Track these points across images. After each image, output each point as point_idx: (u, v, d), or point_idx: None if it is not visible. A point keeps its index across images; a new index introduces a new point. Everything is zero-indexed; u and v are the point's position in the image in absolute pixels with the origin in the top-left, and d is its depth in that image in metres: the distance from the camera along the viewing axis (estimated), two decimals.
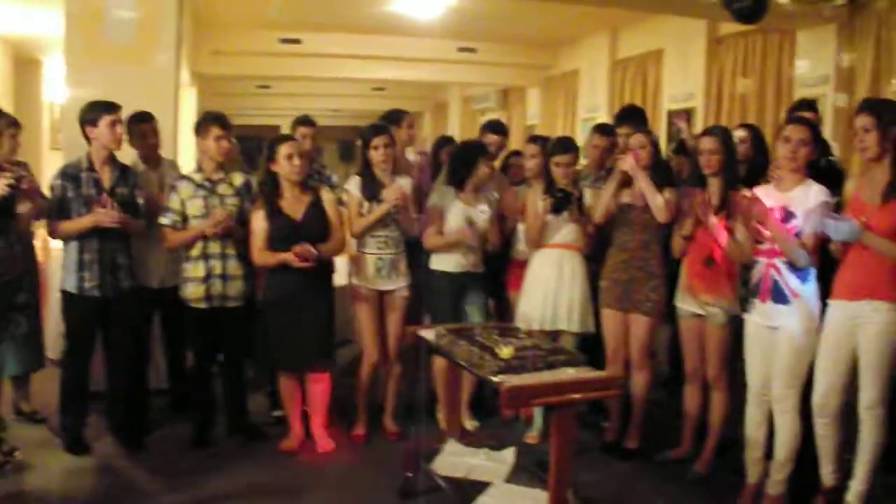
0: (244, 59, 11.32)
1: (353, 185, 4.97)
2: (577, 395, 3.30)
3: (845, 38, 7.32)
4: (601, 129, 5.46)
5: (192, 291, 4.73)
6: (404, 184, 4.99)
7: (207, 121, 4.84)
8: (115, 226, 4.53)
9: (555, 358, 3.41)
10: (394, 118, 5.44)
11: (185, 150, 6.23)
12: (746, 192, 4.04)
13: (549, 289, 4.88)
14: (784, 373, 3.96)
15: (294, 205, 4.70)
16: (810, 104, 5.21)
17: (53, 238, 4.85)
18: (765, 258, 4.04)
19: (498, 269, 5.35)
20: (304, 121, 5.58)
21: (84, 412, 4.80)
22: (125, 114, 4.81)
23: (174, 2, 6.00)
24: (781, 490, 4.08)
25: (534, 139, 5.54)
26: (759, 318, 4.08)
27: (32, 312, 4.83)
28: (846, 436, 3.95)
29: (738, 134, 5.06)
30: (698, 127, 8.04)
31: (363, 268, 4.95)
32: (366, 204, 4.92)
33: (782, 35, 8.06)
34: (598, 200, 4.87)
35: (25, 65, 11.10)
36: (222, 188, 4.81)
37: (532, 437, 4.99)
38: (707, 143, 4.48)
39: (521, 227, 5.25)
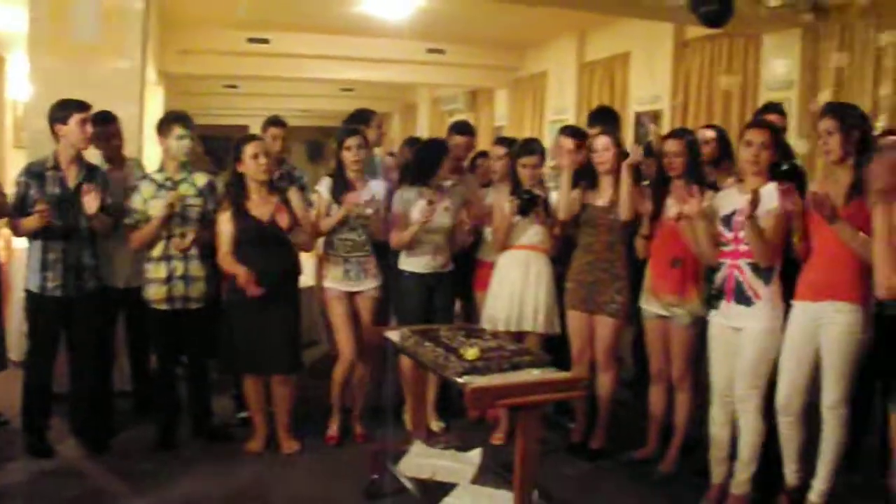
0: (212, 58, 11.24)
1: (324, 187, 4.96)
2: (541, 396, 3.32)
3: (811, 42, 7.40)
4: (569, 132, 5.47)
5: (154, 293, 4.69)
6: (377, 189, 4.98)
7: (169, 120, 4.81)
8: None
9: (520, 359, 3.42)
10: (362, 118, 5.43)
11: (151, 149, 6.17)
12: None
13: (515, 290, 4.89)
14: (747, 373, 4.00)
15: (261, 206, 4.67)
16: (776, 107, 5.26)
17: (17, 236, 4.80)
18: (728, 259, 4.08)
19: (465, 271, 5.35)
20: (275, 121, 5.56)
21: (47, 414, 4.74)
22: None
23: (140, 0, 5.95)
24: (745, 490, 4.11)
25: (500, 141, 5.55)
26: (723, 318, 4.12)
27: None
28: (809, 435, 3.98)
29: (704, 135, 5.11)
30: (666, 130, 8.10)
31: (331, 270, 4.93)
32: (334, 206, 4.90)
33: (748, 39, 8.14)
34: (560, 200, 4.89)
35: None
36: (184, 188, 4.77)
37: (498, 437, 5.00)
38: (671, 146, 4.52)
39: (488, 229, 5.26)
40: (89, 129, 4.61)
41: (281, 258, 4.67)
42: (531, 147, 5.03)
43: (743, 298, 4.00)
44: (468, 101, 14.22)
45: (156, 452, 4.78)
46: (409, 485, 3.87)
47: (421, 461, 4.05)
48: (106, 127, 5.08)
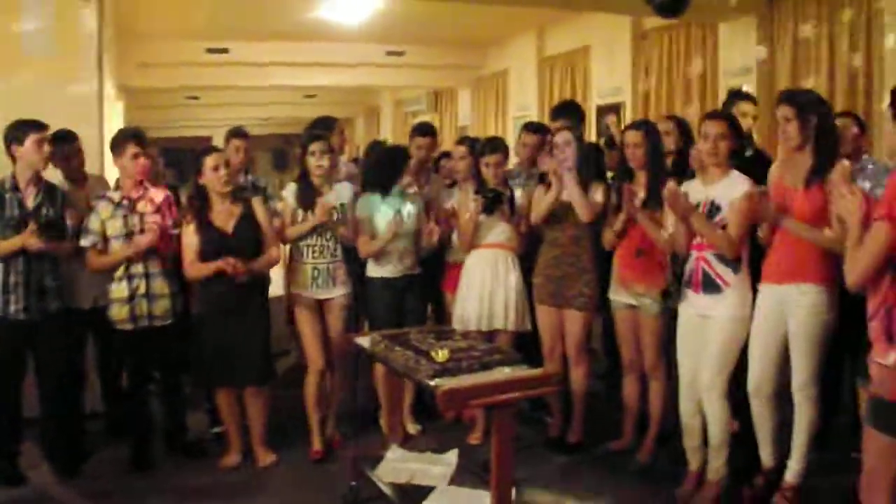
0: (171, 70, 11.19)
1: (289, 193, 4.93)
2: (513, 394, 3.31)
3: (765, 31, 7.47)
4: (530, 128, 5.50)
5: (117, 312, 4.63)
6: (344, 192, 4.97)
7: (123, 138, 4.74)
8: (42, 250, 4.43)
9: (490, 358, 3.42)
10: (324, 126, 5.40)
11: (112, 166, 6.12)
12: (671, 186, 4.09)
13: (485, 289, 4.89)
14: (713, 360, 4.02)
15: (225, 217, 4.64)
16: (746, 95, 5.28)
17: None
18: (695, 251, 4.10)
19: (434, 273, 5.34)
20: (237, 133, 5.52)
21: (18, 439, 4.66)
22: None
23: (95, 14, 5.89)
24: (722, 474, 4.14)
25: (463, 140, 5.54)
26: (692, 308, 4.14)
27: None
28: (782, 417, 4.02)
29: (664, 126, 5.14)
30: (627, 121, 8.16)
31: (299, 276, 4.90)
32: (300, 213, 4.87)
33: (704, 28, 8.20)
34: (534, 202, 4.88)
35: None
36: (142, 206, 4.70)
37: (475, 437, 5.00)
38: (631, 137, 4.54)
39: (455, 231, 5.25)
40: (46, 148, 4.55)
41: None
42: (494, 145, 5.04)
43: (712, 287, 4.02)
44: (431, 102, 14.24)
45: (130, 473, 4.72)
46: (387, 490, 3.86)
47: (398, 465, 4.04)
48: (65, 146, 5.00)
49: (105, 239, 4.63)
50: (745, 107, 4.87)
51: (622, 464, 4.68)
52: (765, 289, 3.95)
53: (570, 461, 4.80)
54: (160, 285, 4.68)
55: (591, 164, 4.78)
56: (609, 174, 5.06)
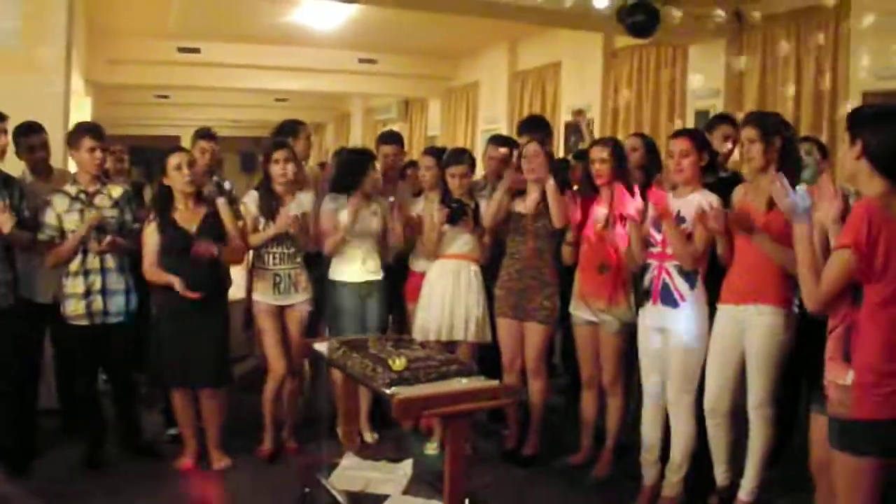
0: (141, 67, 11.13)
1: (251, 200, 4.89)
2: (469, 405, 3.31)
3: (734, 53, 7.57)
4: (497, 141, 5.52)
5: (72, 308, 4.57)
6: (305, 201, 4.95)
7: (80, 132, 4.69)
8: None
9: (448, 368, 3.41)
10: (290, 130, 5.37)
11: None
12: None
13: (446, 299, 4.89)
14: (677, 376, 4.06)
15: (188, 217, 4.60)
16: (728, 118, 5.30)
17: None
18: (656, 261, 4.14)
19: (396, 281, 5.33)
20: (205, 134, 5.49)
21: None
22: (12, 124, 4.65)
23: (64, 7, 5.84)
24: (677, 491, 4.17)
25: (430, 151, 5.54)
26: (650, 320, 4.18)
27: None
28: (737, 436, 4.05)
29: (631, 143, 5.17)
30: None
31: (261, 283, 4.87)
32: (261, 220, 4.85)
33: (675, 49, 8.30)
34: (488, 206, 4.91)
35: None
36: (99, 200, 4.66)
37: (432, 447, 4.98)
38: (597, 153, 4.57)
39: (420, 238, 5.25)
40: (4, 140, 4.50)
41: (208, 270, 4.59)
42: (459, 157, 5.06)
43: (669, 300, 4.07)
44: (401, 111, 14.25)
45: (82, 472, 4.66)
46: (340, 497, 3.83)
47: (353, 473, 4.01)
48: (30, 138, 4.95)
49: (62, 233, 4.57)
50: (727, 129, 4.90)
51: (579, 478, 4.68)
52: (723, 308, 3.98)
53: (526, 474, 4.80)
54: (116, 281, 4.63)
55: (558, 178, 4.81)
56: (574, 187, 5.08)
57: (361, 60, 11.46)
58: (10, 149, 4.74)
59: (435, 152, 5.41)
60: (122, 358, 4.81)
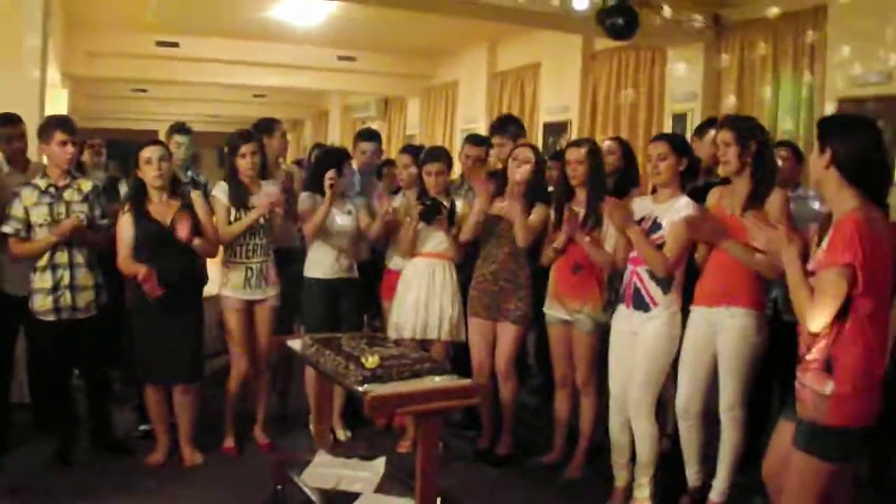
0: (119, 61, 11.04)
1: (221, 192, 4.87)
2: (441, 403, 3.31)
3: (713, 57, 7.62)
4: (473, 140, 5.52)
5: (40, 303, 4.52)
6: (272, 190, 4.94)
7: (51, 125, 4.62)
8: None
9: (420, 366, 3.41)
10: (265, 127, 5.35)
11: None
12: (612, 199, 4.14)
13: (420, 298, 4.88)
14: (640, 379, 4.07)
15: (162, 210, 4.57)
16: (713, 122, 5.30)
17: None
18: (630, 265, 4.15)
19: (371, 280, 5.33)
20: (179, 128, 5.47)
21: None
22: None
23: None
24: (649, 492, 4.18)
25: (407, 149, 5.54)
26: (622, 323, 4.19)
27: None
28: (709, 437, 4.08)
29: (608, 146, 5.19)
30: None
31: (232, 276, 4.85)
32: (233, 211, 4.83)
33: (653, 52, 8.33)
34: (466, 219, 4.91)
35: None
36: (69, 194, 4.61)
37: (405, 445, 4.97)
38: (573, 155, 4.57)
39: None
40: None
41: (183, 264, 4.56)
42: (436, 154, 5.05)
43: (641, 304, 4.08)
44: (380, 109, 14.23)
45: (53, 468, 4.62)
46: (312, 495, 3.82)
47: (325, 471, 3.99)
48: (6, 128, 4.89)
49: (29, 226, 4.52)
50: (709, 130, 4.90)
51: (551, 478, 4.70)
52: (696, 310, 4.01)
53: (499, 473, 4.80)
54: (85, 276, 4.58)
55: (537, 185, 4.81)
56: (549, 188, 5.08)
57: (341, 58, 11.43)
58: None
59: (412, 150, 5.41)
60: (93, 354, 4.77)
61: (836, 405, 2.79)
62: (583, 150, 4.55)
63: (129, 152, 4.70)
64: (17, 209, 4.51)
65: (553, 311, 4.68)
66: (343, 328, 4.76)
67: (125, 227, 4.54)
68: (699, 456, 4.11)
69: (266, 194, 4.79)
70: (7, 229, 4.50)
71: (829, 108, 6.29)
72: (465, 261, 4.98)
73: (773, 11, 7.01)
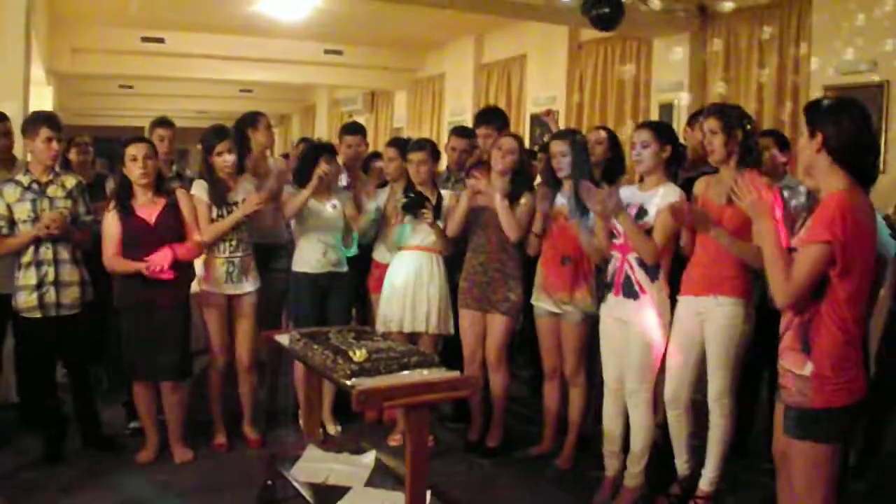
0: (104, 57, 11.00)
1: (201, 190, 4.82)
2: (430, 396, 3.30)
3: (698, 47, 7.63)
4: (459, 132, 5.51)
5: (25, 300, 4.49)
6: (249, 187, 4.92)
7: (37, 121, 4.60)
8: None
9: (408, 359, 3.40)
10: (249, 121, 5.32)
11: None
12: (601, 190, 4.13)
13: (408, 291, 4.87)
14: (635, 367, 4.08)
15: (148, 207, 4.55)
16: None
17: None
18: (618, 253, 4.15)
19: (360, 274, 5.32)
20: (161, 122, 5.45)
21: None
22: None
23: None
24: (638, 482, 4.19)
25: (393, 142, 5.53)
26: (612, 311, 4.19)
27: None
28: (698, 427, 4.09)
29: (595, 136, 5.18)
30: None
31: (212, 271, 4.83)
32: (214, 209, 4.79)
33: (639, 42, 8.34)
34: (451, 215, 4.91)
35: None
36: (52, 190, 4.58)
37: (395, 439, 4.97)
38: (556, 146, 4.58)
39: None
40: None
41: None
42: (419, 144, 5.05)
43: (630, 292, 4.08)
44: (367, 103, 14.21)
45: (42, 466, 4.60)
46: (302, 490, 3.82)
47: (315, 465, 3.99)
48: None
49: (12, 223, 4.49)
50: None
51: (542, 468, 4.70)
52: (683, 300, 4.01)
53: (490, 465, 4.81)
54: (69, 273, 4.56)
55: (523, 174, 4.82)
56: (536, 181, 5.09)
57: (327, 51, 11.40)
58: None
59: (399, 143, 5.40)
60: (79, 351, 4.76)
61: (817, 387, 2.80)
62: (566, 142, 4.55)
63: (116, 149, 4.66)
64: None
65: (541, 303, 4.68)
66: (331, 322, 4.76)
67: (111, 224, 4.52)
68: (688, 445, 4.11)
69: (248, 192, 4.77)
70: None
71: (815, 96, 6.30)
72: (455, 254, 4.97)
73: (759, 0, 7.03)
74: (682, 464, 4.15)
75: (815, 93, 6.40)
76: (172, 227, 4.56)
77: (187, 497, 4.32)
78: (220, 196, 4.80)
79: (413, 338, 4.84)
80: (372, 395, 3.18)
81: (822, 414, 2.81)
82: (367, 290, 5.40)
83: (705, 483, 4.04)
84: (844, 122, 2.83)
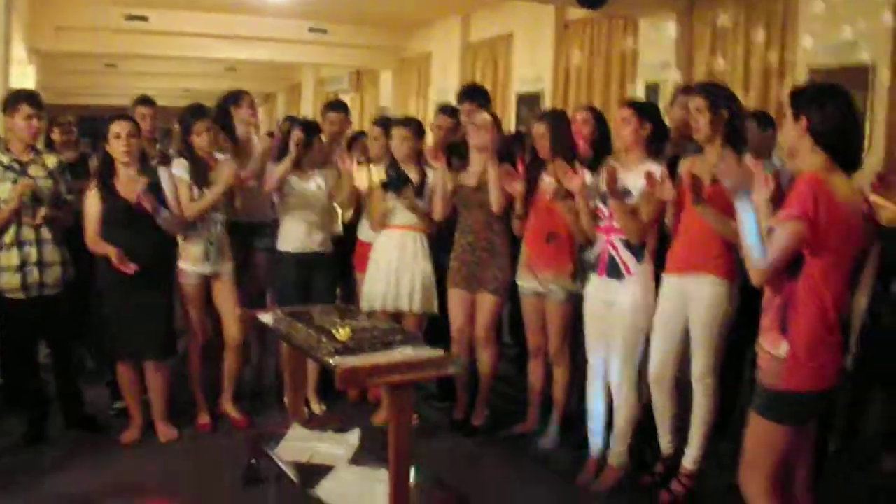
0: (88, 35, 10.91)
1: (182, 170, 4.77)
2: (413, 374, 3.30)
3: (684, 26, 7.60)
4: (445, 111, 5.50)
5: (7, 281, 4.43)
6: (229, 163, 4.88)
7: (18, 98, 4.55)
8: None
9: (392, 338, 3.40)
10: (232, 99, 5.28)
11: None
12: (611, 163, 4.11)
13: (392, 270, 4.86)
14: (619, 347, 4.09)
15: (129, 186, 4.50)
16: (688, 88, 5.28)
17: None
18: (603, 234, 4.15)
19: (345, 253, 5.31)
20: (143, 100, 5.42)
21: None
22: None
23: None
24: (622, 460, 4.21)
25: (378, 121, 5.51)
26: (596, 292, 4.19)
27: None
28: (682, 405, 4.10)
29: (581, 116, 5.16)
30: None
31: (191, 250, 4.78)
32: (195, 188, 4.75)
33: (626, 21, 8.31)
34: (434, 196, 4.90)
35: None
36: (33, 170, 4.52)
37: (380, 417, 4.95)
38: (538, 129, 4.58)
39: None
40: None
41: (151, 239, 4.52)
42: (404, 120, 5.07)
43: (615, 273, 4.08)
44: (353, 82, 14.15)
45: (25, 447, 4.58)
46: (286, 469, 3.82)
47: (299, 444, 3.99)
48: None
49: None
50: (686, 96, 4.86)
51: (526, 447, 4.72)
52: (667, 279, 4.01)
53: (474, 443, 4.83)
54: (52, 252, 4.52)
55: (503, 148, 4.80)
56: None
57: (312, 30, 11.33)
58: None
59: (384, 122, 5.38)
60: (62, 331, 4.73)
61: (790, 369, 2.82)
62: (546, 124, 4.56)
63: (100, 129, 4.62)
64: None
65: (525, 282, 4.68)
66: (316, 302, 4.73)
67: (92, 203, 4.48)
68: (672, 424, 4.13)
69: (225, 168, 4.75)
70: None
71: (801, 77, 6.30)
72: (446, 233, 4.96)
73: None
74: (665, 443, 4.17)
75: (802, 73, 6.39)
76: (154, 205, 4.51)
77: (171, 476, 4.31)
78: (200, 175, 4.76)
79: (398, 317, 4.83)
80: (355, 373, 3.18)
81: (791, 397, 2.84)
82: (352, 269, 5.38)
83: (689, 461, 4.06)
84: (828, 108, 2.85)
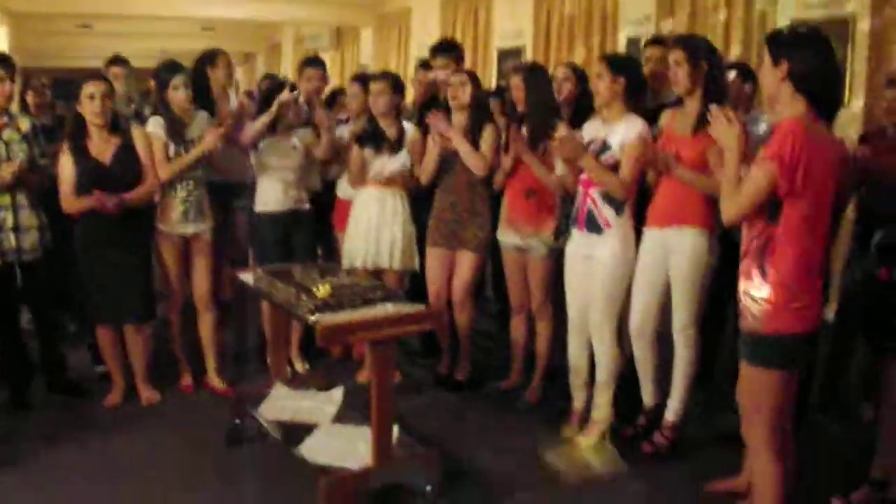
0: None
1: (157, 127, 4.68)
2: (394, 330, 3.30)
3: None
4: (425, 66, 5.45)
5: None
6: (206, 124, 4.79)
7: None
8: None
9: (373, 294, 3.39)
10: (208, 59, 5.21)
11: None
12: (561, 130, 4.07)
13: (371, 227, 4.84)
14: (600, 301, 4.08)
15: (102, 147, 4.44)
16: (658, 40, 5.24)
17: None
18: (581, 188, 4.13)
19: (324, 211, 5.28)
20: (116, 60, 5.33)
21: None
22: None
23: None
24: (606, 413, 4.23)
25: (357, 78, 5.45)
26: (576, 247, 4.18)
27: None
28: (664, 358, 4.12)
29: (562, 72, 5.12)
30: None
31: (169, 211, 4.71)
32: (172, 146, 4.67)
33: None
34: (422, 162, 4.87)
35: None
36: (7, 134, 4.45)
37: (364, 375, 4.97)
38: (514, 82, 4.56)
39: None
40: None
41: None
42: (380, 75, 5.02)
43: (594, 227, 4.06)
44: (333, 40, 14.03)
45: (8, 413, 4.56)
46: (269, 428, 3.82)
47: (282, 403, 4.00)
48: None
49: None
50: (650, 51, 4.84)
51: (510, 402, 4.74)
52: (648, 232, 4.01)
53: (458, 399, 4.84)
54: (28, 217, 4.46)
55: (481, 107, 4.76)
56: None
57: None
58: None
59: (363, 79, 5.31)
60: (43, 296, 4.70)
61: (772, 312, 2.82)
62: (519, 76, 4.53)
63: (75, 91, 4.54)
64: None
65: (506, 237, 4.67)
66: (296, 260, 4.71)
67: (66, 165, 4.41)
68: (654, 376, 4.16)
69: (205, 128, 4.69)
70: None
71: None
72: (426, 192, 4.94)
73: None
74: (647, 395, 4.20)
75: (782, 26, 6.35)
76: (128, 167, 4.46)
77: (154, 438, 4.30)
78: (176, 132, 4.68)
79: (378, 274, 4.81)
80: (335, 330, 3.17)
81: (774, 339, 2.84)
82: (332, 227, 5.35)
83: (671, 413, 4.09)
84: (809, 52, 2.82)
